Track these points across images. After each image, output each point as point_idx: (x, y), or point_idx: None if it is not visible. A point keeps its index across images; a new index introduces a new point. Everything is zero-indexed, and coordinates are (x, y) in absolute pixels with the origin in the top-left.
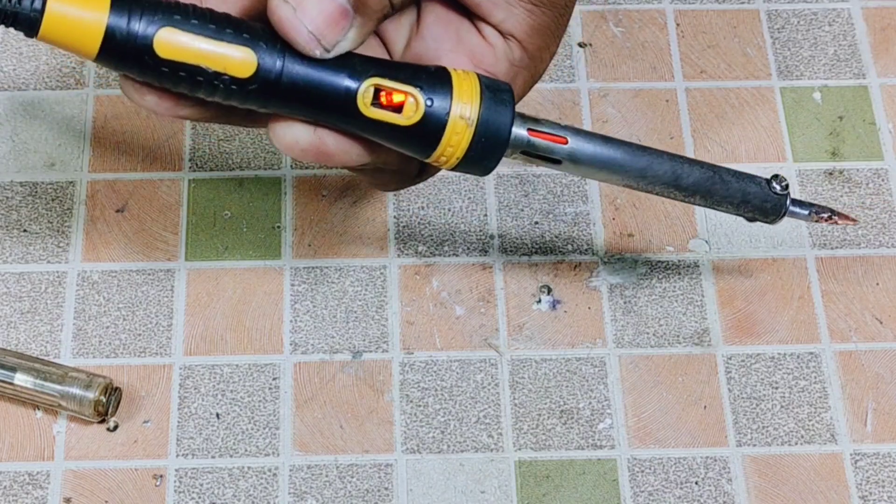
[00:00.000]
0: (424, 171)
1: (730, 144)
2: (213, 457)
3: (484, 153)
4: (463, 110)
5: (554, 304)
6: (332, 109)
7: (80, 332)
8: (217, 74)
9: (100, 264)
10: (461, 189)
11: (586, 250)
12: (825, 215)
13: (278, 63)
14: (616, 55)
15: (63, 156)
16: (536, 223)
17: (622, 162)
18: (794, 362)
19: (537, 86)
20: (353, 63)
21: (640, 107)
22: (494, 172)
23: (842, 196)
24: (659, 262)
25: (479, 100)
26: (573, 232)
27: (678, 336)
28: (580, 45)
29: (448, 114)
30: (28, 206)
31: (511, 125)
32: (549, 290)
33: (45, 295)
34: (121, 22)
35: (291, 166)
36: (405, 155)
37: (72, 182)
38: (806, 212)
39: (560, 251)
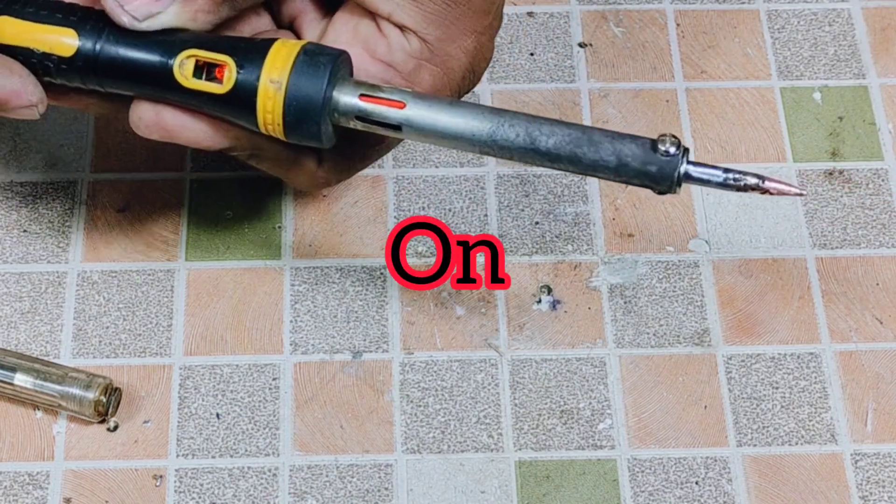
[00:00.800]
0: (328, 164)
1: (730, 144)
2: (213, 457)
3: (301, 116)
4: (273, 74)
5: (554, 304)
6: (152, 82)
7: (80, 332)
8: (46, 55)
9: (100, 264)
10: (461, 189)
11: (586, 250)
12: (751, 181)
13: (98, 41)
14: (616, 55)
15: (64, 155)
16: (536, 223)
17: (466, 125)
18: (794, 362)
19: (537, 86)
20: (173, 38)
21: (640, 107)
22: (494, 172)
23: (842, 196)
24: (659, 262)
25: (291, 64)
26: (573, 232)
27: (678, 336)
28: (580, 45)
29: (258, 79)
30: (28, 206)
31: (326, 87)
32: (550, 290)
33: (46, 295)
34: None
35: None
36: (273, 140)
37: (73, 182)
38: (719, 177)
39: (560, 251)
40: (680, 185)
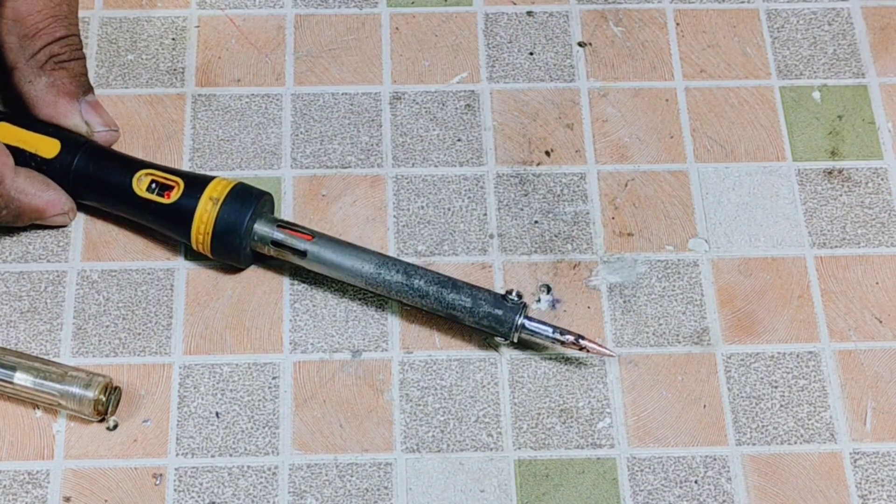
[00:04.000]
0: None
1: (729, 144)
2: (212, 456)
3: (228, 235)
4: (212, 195)
5: (554, 304)
6: (116, 192)
7: (79, 331)
8: (33, 155)
9: (100, 263)
10: (461, 189)
11: (586, 249)
12: (570, 339)
13: (79, 148)
14: (616, 54)
15: None
16: (536, 222)
17: (358, 260)
18: (793, 361)
19: (537, 85)
20: (135, 160)
21: (639, 106)
22: (494, 171)
23: (841, 195)
24: (658, 261)
25: (227, 193)
26: (573, 231)
27: (678, 335)
28: (580, 44)
29: (199, 198)
30: None
31: (251, 211)
32: (549, 290)
33: (45, 294)
34: None
35: (291, 166)
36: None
37: None
38: (549, 330)
39: (560, 250)
40: (518, 332)
